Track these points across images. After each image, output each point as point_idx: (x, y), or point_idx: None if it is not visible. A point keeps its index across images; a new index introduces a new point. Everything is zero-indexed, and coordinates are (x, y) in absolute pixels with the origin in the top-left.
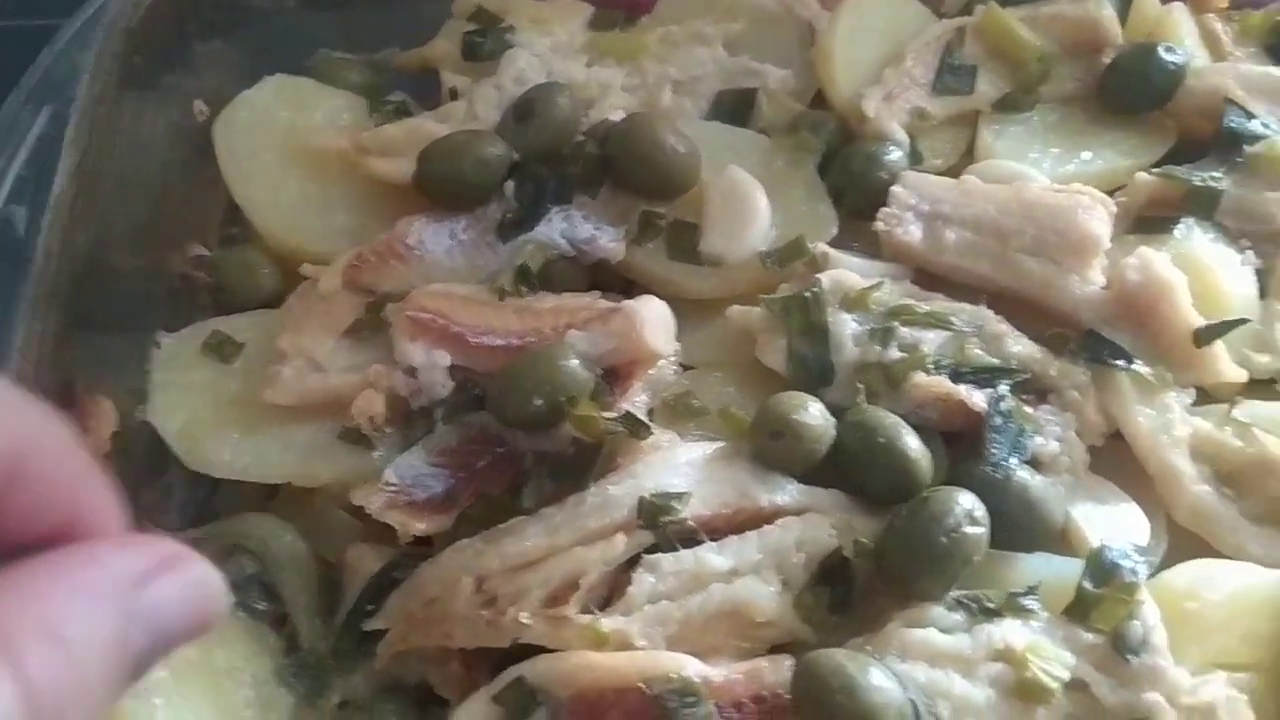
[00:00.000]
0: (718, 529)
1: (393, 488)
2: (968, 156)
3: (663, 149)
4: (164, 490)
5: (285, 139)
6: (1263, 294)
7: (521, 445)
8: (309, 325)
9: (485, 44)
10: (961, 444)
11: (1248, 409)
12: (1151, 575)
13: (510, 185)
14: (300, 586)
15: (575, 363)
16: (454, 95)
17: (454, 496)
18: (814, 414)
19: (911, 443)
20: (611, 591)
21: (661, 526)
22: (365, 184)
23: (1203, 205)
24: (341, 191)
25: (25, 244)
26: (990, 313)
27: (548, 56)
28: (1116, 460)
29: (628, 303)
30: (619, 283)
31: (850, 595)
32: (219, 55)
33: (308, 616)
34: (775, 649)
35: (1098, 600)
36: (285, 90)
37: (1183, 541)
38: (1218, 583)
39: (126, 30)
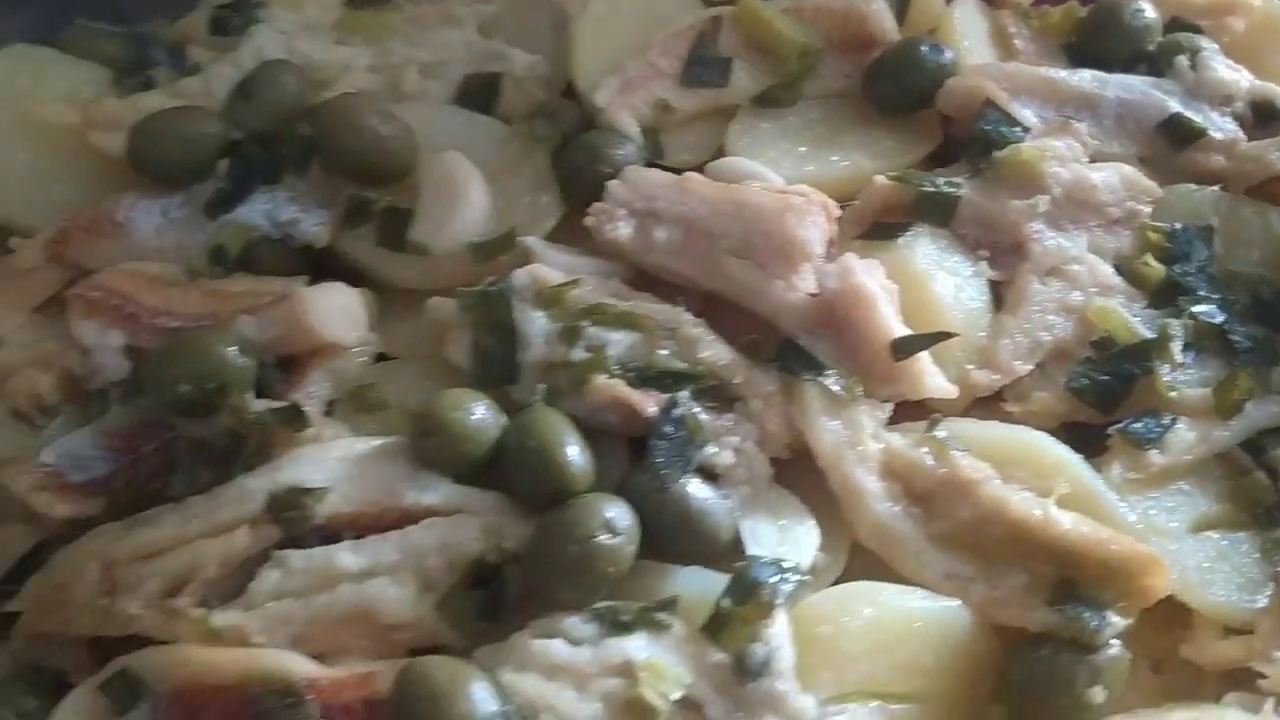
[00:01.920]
0: (365, 527)
1: (47, 467)
2: (721, 154)
3: (363, 132)
4: None
5: (20, 110)
6: (996, 308)
7: (186, 431)
8: (4, 299)
9: (234, 19)
10: (642, 452)
11: (951, 427)
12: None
13: (224, 164)
14: None
15: (233, 349)
16: (197, 71)
17: (115, 481)
18: (474, 413)
19: (569, 447)
20: (242, 589)
21: (288, 522)
22: (93, 158)
23: (936, 212)
24: (69, 165)
25: None
26: (687, 315)
27: (294, 34)
28: (810, 475)
29: (299, 289)
30: (344, 270)
31: (500, 602)
32: None
33: None
34: (419, 652)
35: (729, 618)
36: (27, 59)
37: (864, 563)
38: (857, 608)
39: None
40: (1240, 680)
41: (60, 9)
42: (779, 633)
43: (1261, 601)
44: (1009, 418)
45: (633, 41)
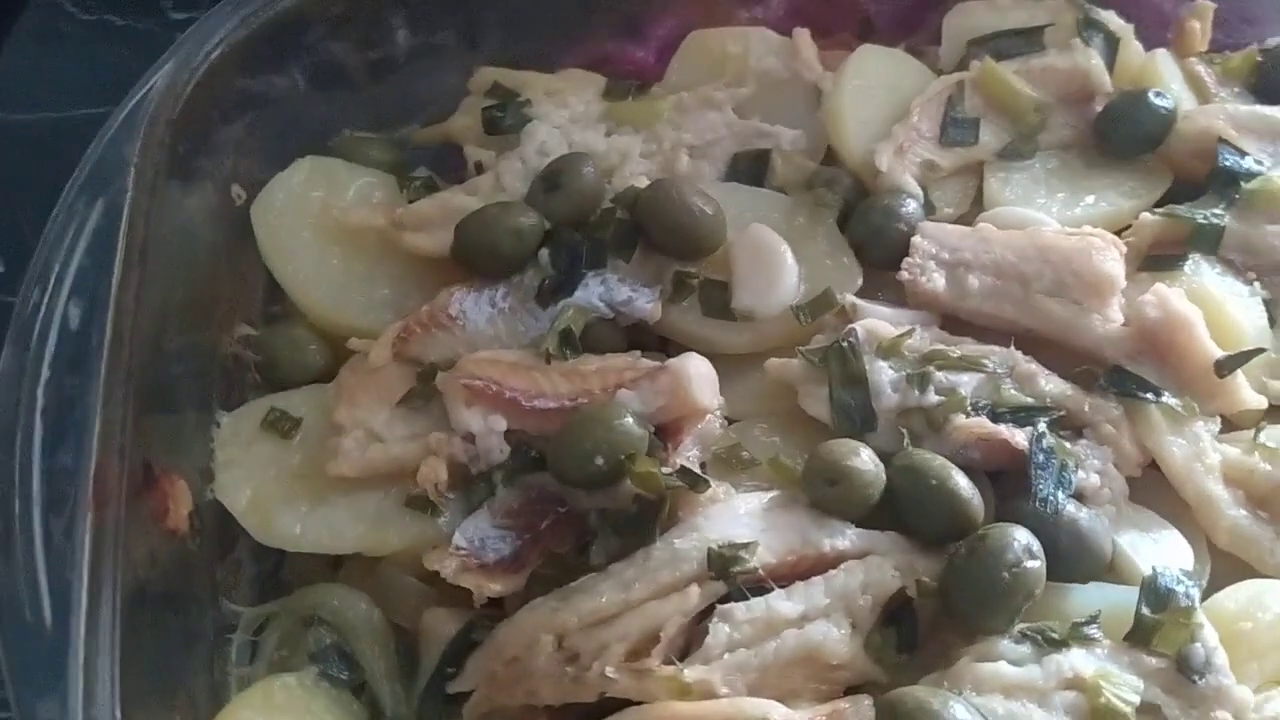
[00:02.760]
0: (783, 576)
1: (463, 551)
2: (976, 205)
3: (690, 211)
4: (234, 566)
5: (321, 218)
6: (1272, 323)
7: (583, 504)
8: (363, 397)
9: (505, 118)
10: (1003, 483)
11: (1272, 434)
12: (1202, 599)
13: (545, 253)
14: (378, 653)
15: (630, 420)
16: (479, 169)
17: (522, 557)
18: (865, 460)
19: (962, 483)
20: (687, 644)
21: (732, 576)
22: (403, 258)
23: (1207, 241)
24: (381, 266)
25: (82, 336)
26: (1019, 354)
27: (567, 128)
28: (1153, 490)
29: (673, 360)
30: (654, 342)
31: (916, 634)
32: (246, 140)
33: (388, 682)
34: (849, 690)
35: (1157, 625)
36: (317, 171)
37: (1224, 565)
38: (1268, 603)
39: (169, 120)
40: None
41: (322, 121)
42: (1211, 633)
43: None
44: None
45: (884, 111)
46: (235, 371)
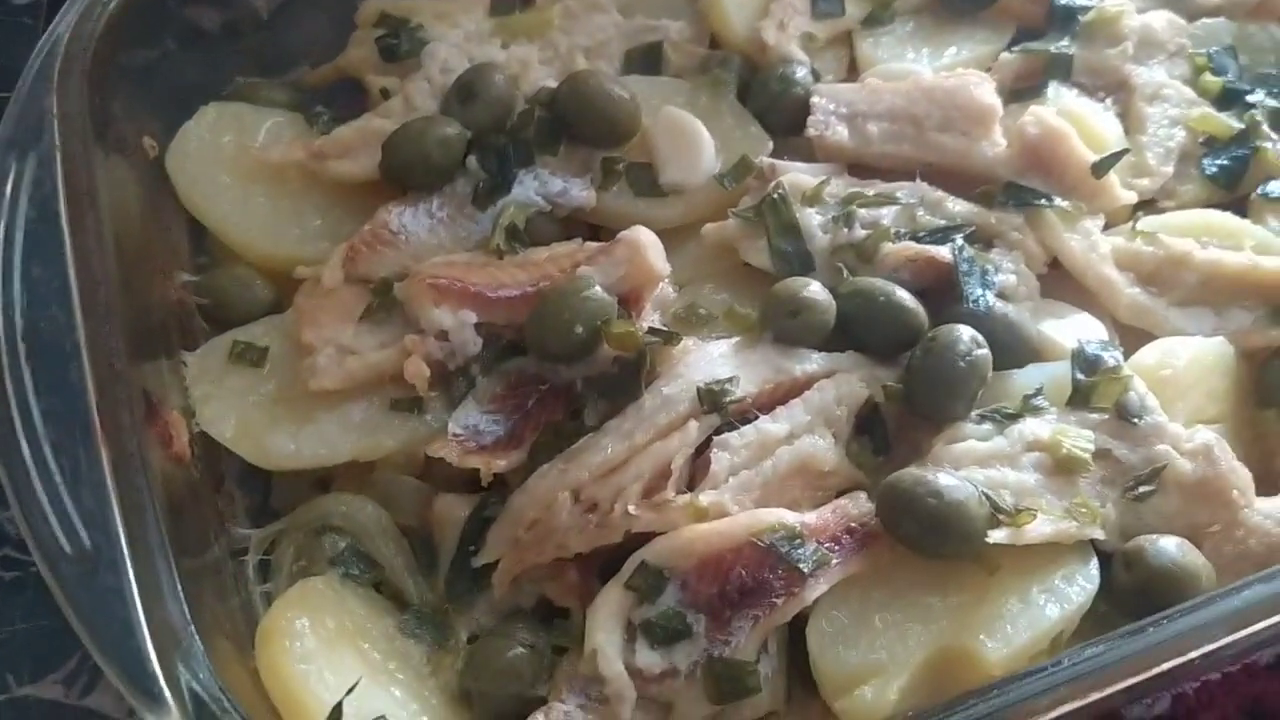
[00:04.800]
0: (764, 405)
1: (461, 437)
2: (853, 71)
3: (609, 97)
4: (227, 498)
5: (237, 160)
6: (1126, 132)
7: (564, 377)
8: (324, 318)
9: (401, 44)
10: (931, 299)
11: (1146, 221)
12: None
13: (473, 159)
14: (394, 549)
15: (598, 289)
16: (385, 94)
17: (518, 434)
18: (818, 290)
19: (905, 295)
20: (692, 476)
21: (724, 407)
22: (327, 188)
23: (1061, 69)
24: (307, 199)
25: (48, 285)
26: (925, 184)
27: (464, 45)
28: (1058, 283)
29: (625, 232)
30: (586, 233)
31: (887, 436)
32: (147, 94)
33: (409, 574)
34: (840, 495)
35: (1093, 386)
36: (223, 116)
37: (1130, 339)
38: (1179, 353)
39: (82, 71)
40: None
41: (212, 72)
42: (1139, 381)
43: None
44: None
45: None
46: (184, 318)
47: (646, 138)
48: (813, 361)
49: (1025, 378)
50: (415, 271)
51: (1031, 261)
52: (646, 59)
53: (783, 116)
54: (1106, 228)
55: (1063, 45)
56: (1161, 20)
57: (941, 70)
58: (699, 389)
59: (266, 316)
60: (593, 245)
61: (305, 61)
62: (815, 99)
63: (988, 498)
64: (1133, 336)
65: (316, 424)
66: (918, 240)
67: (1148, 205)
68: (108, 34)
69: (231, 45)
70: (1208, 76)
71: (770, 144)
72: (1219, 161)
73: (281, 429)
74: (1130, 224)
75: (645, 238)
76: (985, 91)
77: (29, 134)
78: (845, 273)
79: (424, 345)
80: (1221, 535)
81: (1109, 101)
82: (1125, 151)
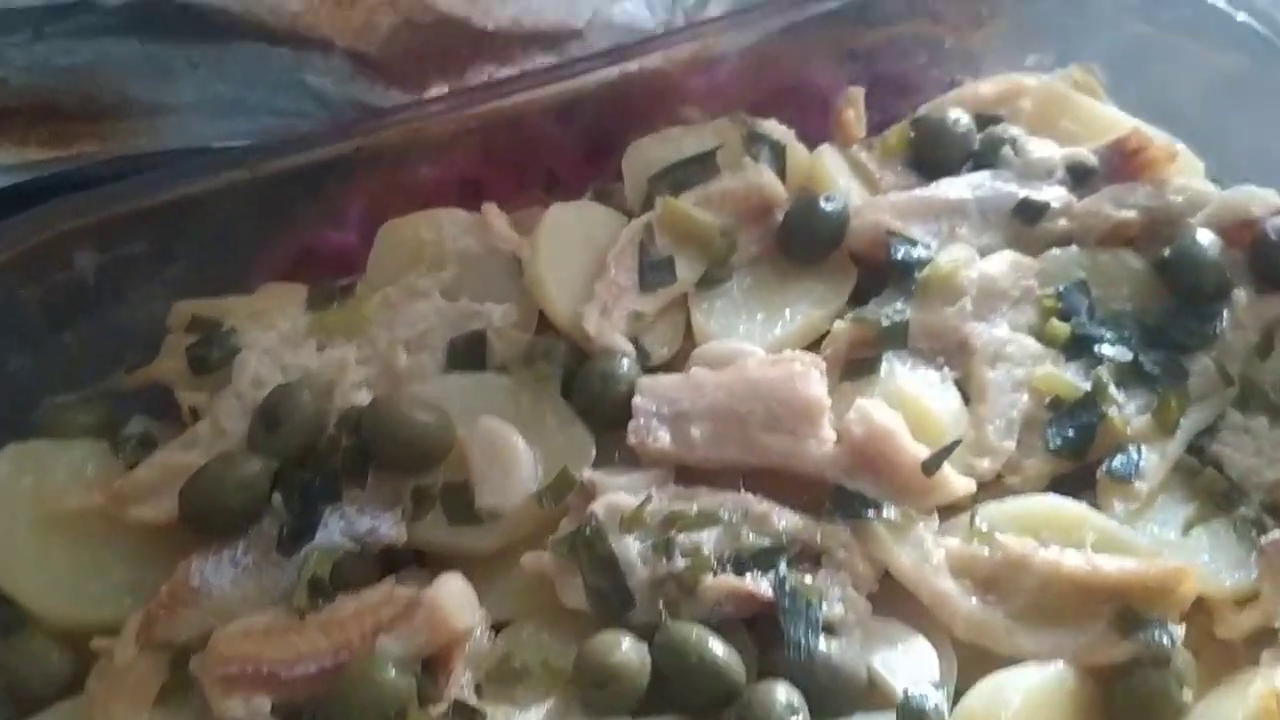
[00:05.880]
0: None
1: None
2: (688, 339)
3: (413, 425)
4: None
5: (36, 508)
6: (966, 400)
7: None
8: (116, 706)
9: (212, 352)
10: (762, 627)
11: (984, 514)
12: (954, 703)
13: (277, 497)
14: None
15: (392, 673)
16: (195, 414)
17: None
18: (628, 652)
19: (720, 651)
20: None
21: None
22: (132, 533)
23: (895, 339)
24: (109, 547)
25: None
26: (750, 496)
27: (277, 350)
28: (891, 595)
29: (427, 591)
30: (408, 555)
31: None
32: None
33: None
34: None
35: None
36: (21, 458)
37: (969, 654)
38: (1010, 692)
39: None
40: (1264, 641)
41: (22, 391)
42: None
43: (1254, 572)
44: (1007, 491)
45: (584, 266)
46: None
47: (462, 451)
48: None
49: None
50: (210, 647)
51: (860, 583)
52: (470, 350)
53: (607, 415)
54: (945, 512)
55: (898, 309)
56: (1004, 265)
57: (775, 344)
58: None
59: (59, 703)
60: (401, 595)
61: (120, 365)
62: (637, 400)
63: None
64: (977, 653)
65: None
66: (741, 565)
67: (995, 485)
68: None
69: (39, 355)
70: (1055, 322)
71: (593, 451)
72: (1064, 433)
73: None
74: (969, 516)
75: (447, 594)
76: (812, 383)
77: None
78: (664, 614)
79: None
80: None
81: (946, 370)
82: (956, 444)
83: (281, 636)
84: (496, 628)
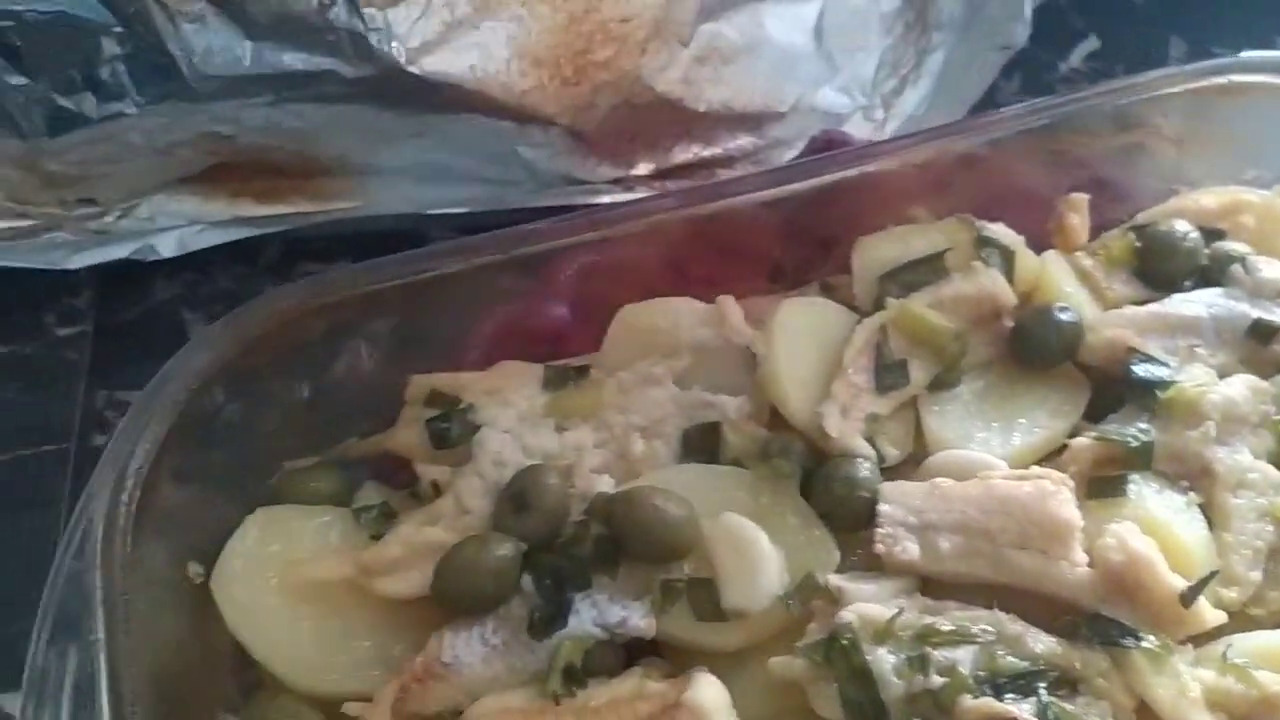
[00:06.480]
0: None
1: None
2: (919, 441)
3: (666, 517)
4: None
5: (284, 577)
6: (1210, 525)
7: None
8: None
9: (452, 429)
10: None
11: (1238, 647)
12: None
13: (528, 580)
14: None
15: None
16: (436, 489)
17: None
18: None
19: None
20: None
21: None
22: (376, 603)
23: (1142, 460)
24: (356, 617)
25: None
26: (1004, 615)
27: (517, 430)
28: None
29: (687, 695)
30: (643, 644)
31: None
32: (191, 515)
33: None
34: None
35: None
36: (269, 525)
37: None
38: None
39: (123, 533)
40: None
41: (261, 460)
42: None
43: None
44: (1252, 623)
45: (817, 362)
46: None
47: (706, 546)
48: None
49: None
50: (468, 716)
51: (1120, 713)
52: (704, 440)
53: (848, 520)
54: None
55: (1143, 429)
56: (1243, 390)
57: (1014, 457)
58: None
59: None
60: (651, 690)
61: (353, 432)
62: (883, 507)
63: None
64: None
65: None
66: (998, 688)
67: (1242, 617)
68: (153, 477)
69: (279, 429)
70: None
71: (837, 556)
72: None
73: None
74: (1220, 649)
75: (709, 699)
76: (1063, 505)
77: (67, 627)
78: None
79: None
80: None
81: (1191, 495)
82: (1214, 575)
83: (539, 718)
84: None
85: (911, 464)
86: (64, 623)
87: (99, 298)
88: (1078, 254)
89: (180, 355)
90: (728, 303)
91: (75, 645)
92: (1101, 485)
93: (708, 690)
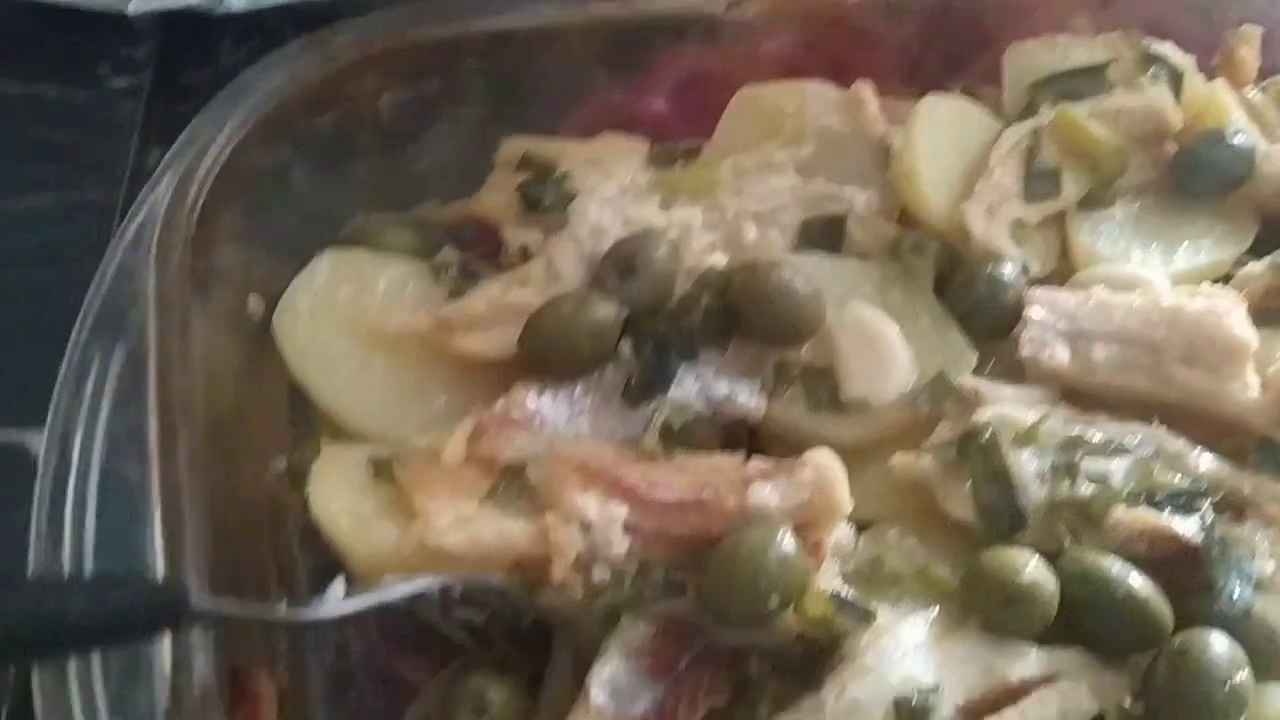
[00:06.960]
0: (971, 716)
1: (610, 712)
2: (1063, 259)
3: (793, 296)
4: None
5: (354, 322)
6: None
7: (728, 640)
8: (440, 490)
9: (546, 195)
10: (1164, 571)
11: None
12: None
13: (626, 346)
14: None
15: (790, 544)
16: (525, 253)
17: (669, 713)
18: (1040, 572)
19: (1146, 589)
20: None
21: None
22: (453, 360)
23: None
24: (431, 371)
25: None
26: (1163, 431)
27: (618, 201)
28: None
29: (811, 453)
30: (741, 440)
31: None
32: (255, 243)
33: None
34: None
35: None
36: (340, 266)
37: None
38: None
39: (185, 241)
40: None
41: (332, 207)
42: None
43: None
44: None
45: (958, 166)
46: (277, 513)
47: (828, 337)
48: (1031, 663)
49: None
50: (555, 453)
51: None
52: (826, 233)
53: (988, 323)
54: None
55: None
56: None
57: (1176, 278)
58: (896, 702)
59: None
60: (756, 465)
61: (433, 194)
62: (1032, 311)
63: None
64: None
65: None
66: (1155, 504)
67: None
68: (216, 191)
69: (351, 176)
70: None
71: (974, 358)
72: None
73: None
74: None
75: (835, 463)
76: (1238, 323)
77: (114, 323)
78: (1069, 541)
79: (565, 530)
80: None
81: None
82: None
83: (633, 464)
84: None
85: (1057, 281)
86: (110, 319)
87: (159, 53)
88: (1246, 90)
89: (260, 66)
90: (865, 88)
91: (121, 342)
92: (1269, 314)
93: (830, 455)
